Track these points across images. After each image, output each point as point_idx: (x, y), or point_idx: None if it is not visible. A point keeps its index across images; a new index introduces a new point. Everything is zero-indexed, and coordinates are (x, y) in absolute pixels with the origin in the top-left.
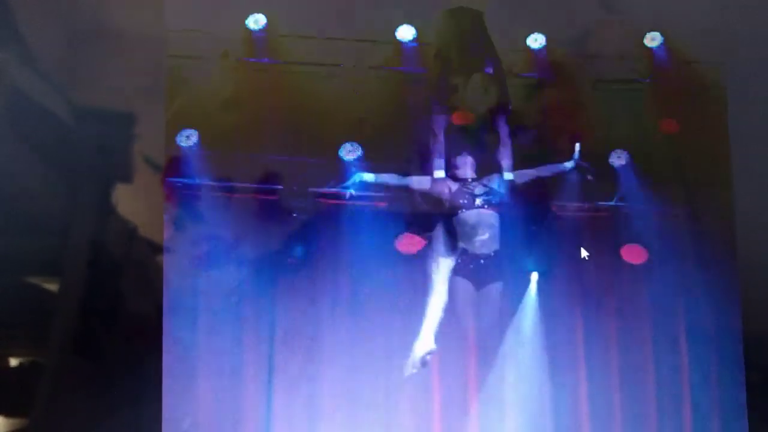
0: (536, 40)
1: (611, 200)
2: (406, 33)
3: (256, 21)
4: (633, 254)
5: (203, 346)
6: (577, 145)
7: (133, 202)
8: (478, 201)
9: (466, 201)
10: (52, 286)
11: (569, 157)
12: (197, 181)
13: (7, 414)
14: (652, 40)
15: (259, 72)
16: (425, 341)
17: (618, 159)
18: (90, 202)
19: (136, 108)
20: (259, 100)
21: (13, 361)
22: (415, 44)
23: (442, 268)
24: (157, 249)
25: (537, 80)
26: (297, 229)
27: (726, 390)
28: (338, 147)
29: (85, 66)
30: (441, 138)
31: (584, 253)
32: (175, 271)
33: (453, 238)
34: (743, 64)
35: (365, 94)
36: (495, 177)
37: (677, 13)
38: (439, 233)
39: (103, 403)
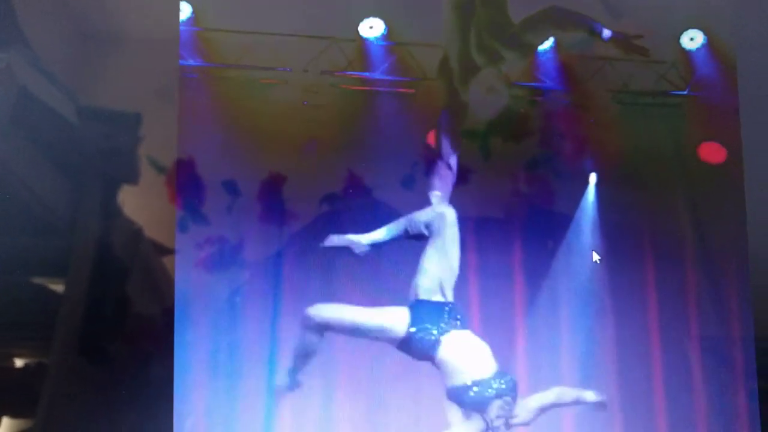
0: None
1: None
2: (372, 29)
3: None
4: None
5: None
6: (593, 176)
7: (140, 203)
8: None
9: None
10: (58, 287)
11: (582, 189)
12: None
13: (13, 415)
14: (691, 40)
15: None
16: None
17: None
18: (96, 202)
19: (146, 109)
20: (180, 112)
21: (19, 362)
22: (384, 43)
23: None
24: (164, 250)
25: (542, 91)
26: None
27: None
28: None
29: (93, 67)
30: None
31: (596, 257)
32: (181, 272)
33: None
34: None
35: (318, 107)
36: None
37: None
38: None
39: (109, 405)
